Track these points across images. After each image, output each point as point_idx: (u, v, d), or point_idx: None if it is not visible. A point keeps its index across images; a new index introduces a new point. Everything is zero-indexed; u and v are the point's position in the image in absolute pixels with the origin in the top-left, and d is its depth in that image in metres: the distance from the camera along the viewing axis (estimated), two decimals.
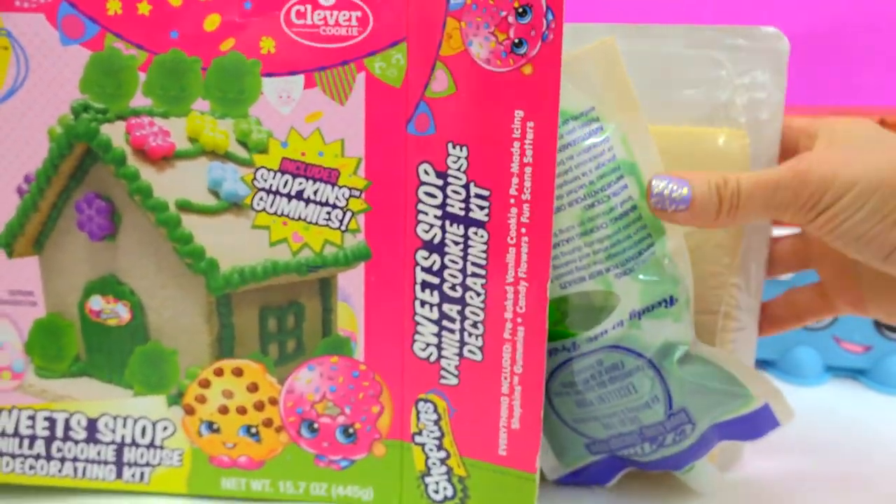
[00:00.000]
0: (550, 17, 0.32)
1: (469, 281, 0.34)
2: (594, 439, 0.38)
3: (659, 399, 0.35)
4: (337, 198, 0.35)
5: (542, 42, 0.32)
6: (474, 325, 0.34)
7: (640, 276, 0.34)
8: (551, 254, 0.33)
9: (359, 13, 0.34)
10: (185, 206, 0.36)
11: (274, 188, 0.35)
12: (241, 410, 0.38)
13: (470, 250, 0.34)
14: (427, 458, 0.37)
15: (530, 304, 0.33)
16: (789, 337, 0.56)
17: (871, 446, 0.46)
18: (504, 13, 0.32)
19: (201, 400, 0.38)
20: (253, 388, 0.38)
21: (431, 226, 0.34)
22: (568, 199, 0.35)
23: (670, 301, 0.34)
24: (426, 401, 0.36)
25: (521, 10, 0.32)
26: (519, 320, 0.34)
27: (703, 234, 0.37)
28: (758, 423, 0.36)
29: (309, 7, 0.34)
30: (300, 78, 0.34)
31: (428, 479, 0.37)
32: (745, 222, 0.33)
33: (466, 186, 0.33)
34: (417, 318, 0.35)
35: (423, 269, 0.35)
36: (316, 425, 0.38)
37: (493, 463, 0.36)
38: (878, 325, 0.54)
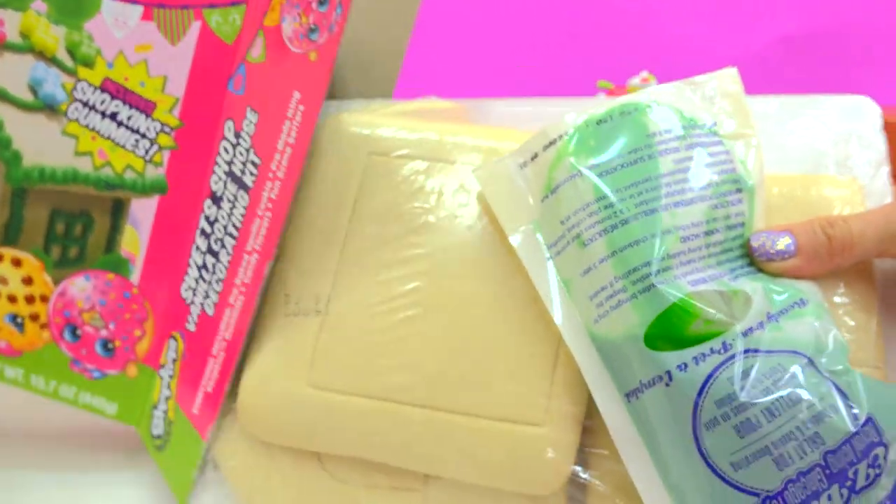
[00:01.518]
0: (339, 11, 0.33)
1: (226, 239, 0.36)
2: (764, 494, 0.29)
3: (837, 408, 0.29)
4: (148, 129, 0.37)
5: (329, 33, 0.33)
6: (218, 281, 0.36)
7: (756, 282, 0.31)
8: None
9: None
10: (1, 95, 0.37)
11: (91, 103, 0.37)
12: (12, 299, 0.39)
13: (234, 211, 0.36)
14: (160, 392, 0.39)
15: (253, 276, 0.35)
16: None
17: None
18: None
19: None
20: (28, 280, 0.39)
21: (220, 179, 0.36)
22: (699, 194, 0.32)
23: (802, 303, 0.31)
24: (174, 339, 0.38)
25: None
26: (242, 289, 0.35)
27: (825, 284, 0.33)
28: None
29: None
30: (139, 8, 0.36)
31: (155, 412, 0.39)
32: (858, 260, 0.32)
33: (248, 151, 0.35)
34: (190, 261, 0.38)
35: (205, 218, 0.37)
36: (79, 332, 0.40)
37: (188, 418, 0.37)
38: None
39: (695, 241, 0.32)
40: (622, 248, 0.31)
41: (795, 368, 0.29)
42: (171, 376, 0.38)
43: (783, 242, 0.32)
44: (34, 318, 0.40)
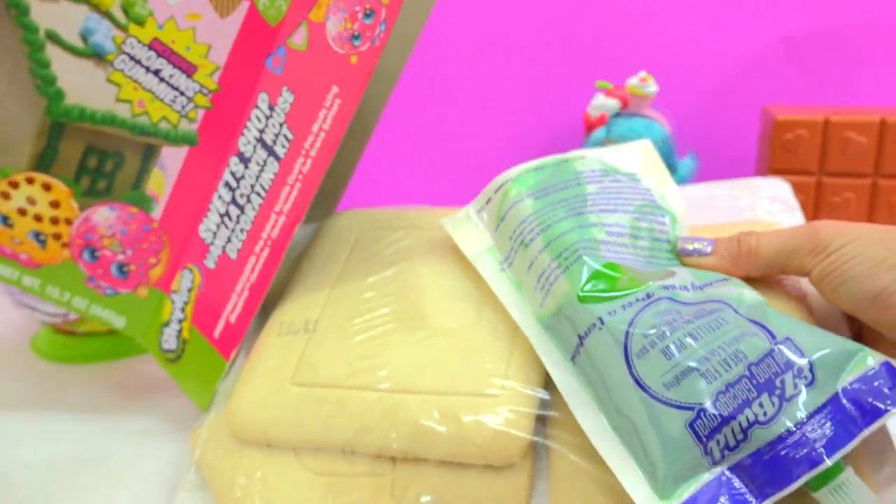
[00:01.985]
0: (382, 27, 0.38)
1: (252, 197, 0.42)
2: (697, 408, 0.31)
3: (756, 332, 0.32)
4: (187, 88, 0.42)
5: (371, 44, 0.39)
6: (242, 231, 0.42)
7: (682, 267, 0.37)
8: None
9: None
10: (52, 37, 0.40)
11: (137, 57, 0.41)
12: (38, 218, 0.44)
13: (263, 174, 0.41)
14: (172, 313, 0.45)
15: (280, 234, 0.41)
16: None
17: None
18: (358, 9, 0.39)
19: (6, 196, 0.43)
20: (55, 204, 0.44)
21: (249, 142, 0.42)
22: (622, 206, 0.39)
23: (724, 280, 0.36)
24: (190, 270, 0.44)
25: (368, 11, 0.38)
26: (269, 243, 0.41)
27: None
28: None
29: None
30: None
31: (166, 329, 0.45)
32: (766, 269, 0.37)
33: (281, 125, 0.41)
34: (210, 206, 0.43)
35: (230, 172, 0.43)
36: (98, 254, 0.45)
37: (208, 340, 0.43)
38: None
39: (620, 239, 0.38)
40: (555, 238, 0.37)
41: (715, 308, 0.33)
42: (185, 302, 0.44)
43: (704, 242, 0.39)
44: (57, 237, 0.44)
